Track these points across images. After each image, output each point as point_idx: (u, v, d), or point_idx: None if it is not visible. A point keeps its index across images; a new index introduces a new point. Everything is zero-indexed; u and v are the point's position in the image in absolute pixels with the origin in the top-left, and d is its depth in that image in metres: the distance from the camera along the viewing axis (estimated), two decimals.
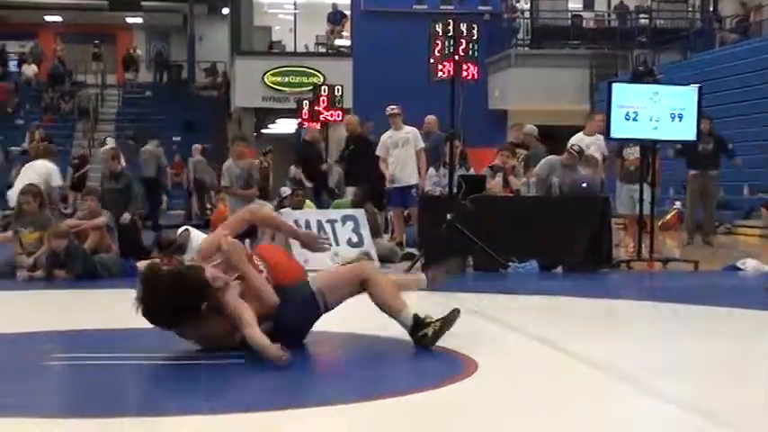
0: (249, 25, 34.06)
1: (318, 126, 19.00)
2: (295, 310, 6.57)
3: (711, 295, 10.52)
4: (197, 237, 13.00)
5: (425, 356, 6.65)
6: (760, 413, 5.05)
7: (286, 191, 16.75)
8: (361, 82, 29.64)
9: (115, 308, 6.90)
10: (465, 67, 12.83)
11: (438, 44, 12.85)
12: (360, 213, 13.90)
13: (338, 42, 33.95)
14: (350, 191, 16.13)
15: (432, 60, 12.93)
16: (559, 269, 12.78)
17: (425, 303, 9.88)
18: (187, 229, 13.28)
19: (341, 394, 5.56)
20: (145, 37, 43.77)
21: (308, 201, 15.71)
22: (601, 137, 14.85)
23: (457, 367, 6.04)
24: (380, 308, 6.84)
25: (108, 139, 20.61)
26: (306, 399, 5.42)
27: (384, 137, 15.54)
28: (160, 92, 38.93)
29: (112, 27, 42.35)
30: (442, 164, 14.65)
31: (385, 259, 13.75)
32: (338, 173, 18.45)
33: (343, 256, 13.22)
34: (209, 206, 25.59)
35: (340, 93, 19.37)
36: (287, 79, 32.16)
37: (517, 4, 32.49)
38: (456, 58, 12.78)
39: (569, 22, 31.88)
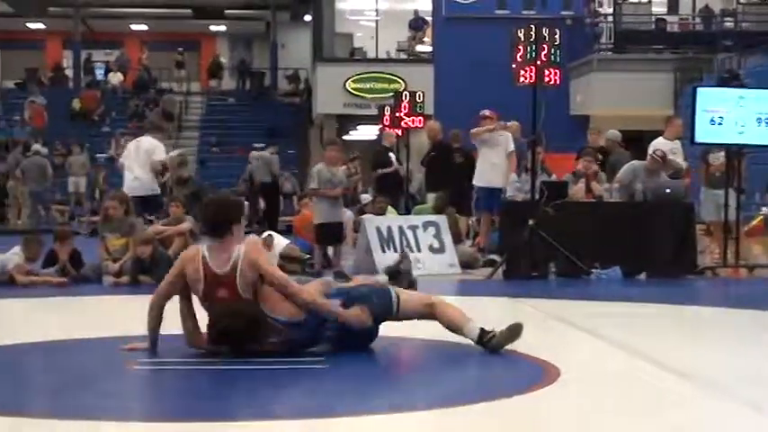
0: (331, 32, 34.21)
1: (400, 132, 19.01)
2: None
3: None
4: (280, 242, 13.10)
5: (507, 363, 6.63)
6: None
7: (367, 198, 16.77)
8: (442, 88, 29.61)
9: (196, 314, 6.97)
10: (547, 72, 12.78)
11: (520, 49, 12.81)
12: (441, 219, 13.88)
13: (419, 48, 33.94)
14: (431, 197, 16.10)
15: (513, 66, 12.89)
16: (643, 276, 12.66)
17: (506, 310, 9.87)
18: (270, 235, 13.36)
19: (426, 400, 5.58)
20: (228, 44, 44.17)
21: (389, 207, 15.72)
22: (678, 141, 14.71)
23: (539, 374, 6.01)
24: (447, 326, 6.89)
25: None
26: (390, 404, 5.43)
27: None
28: (243, 99, 39.23)
29: (196, 35, 42.81)
30: (524, 169, 14.57)
31: (466, 265, 13.73)
32: (419, 179, 18.45)
33: (424, 263, 13.23)
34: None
35: (421, 99, 19.35)
36: (368, 86, 32.23)
37: (600, 9, 32.24)
38: (538, 63, 12.74)
39: (653, 26, 31.56)
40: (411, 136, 19.34)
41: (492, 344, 6.69)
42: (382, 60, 33.61)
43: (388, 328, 7.23)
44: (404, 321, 7.03)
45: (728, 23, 31.72)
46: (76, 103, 36.10)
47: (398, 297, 6.90)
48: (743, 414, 5.15)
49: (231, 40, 44.22)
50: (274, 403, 5.44)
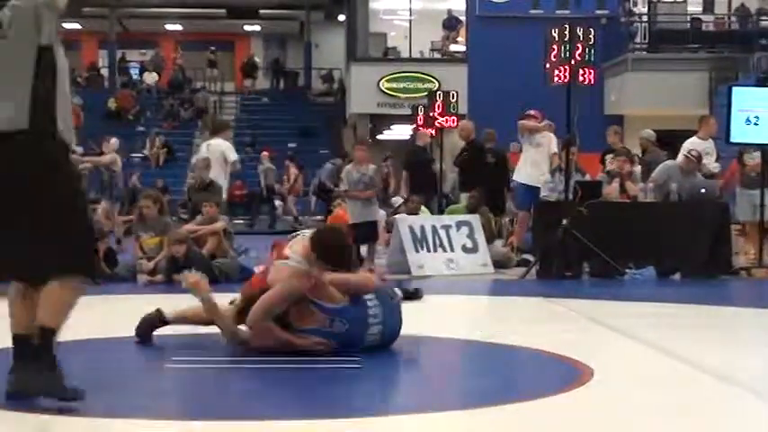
0: (365, 32, 34.20)
1: (433, 132, 18.99)
2: None
3: None
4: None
5: (540, 363, 6.63)
6: None
7: (398, 200, 16.74)
8: (475, 87, 29.55)
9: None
10: (581, 71, 12.73)
11: (554, 49, 12.78)
12: (474, 219, 13.86)
13: (453, 48, 33.87)
14: (464, 197, 16.08)
15: (547, 65, 12.86)
16: (677, 276, 12.61)
17: (539, 310, 9.85)
18: (302, 235, 13.38)
19: (458, 400, 5.58)
20: (262, 44, 44.28)
21: (423, 207, 15.70)
22: (711, 141, 14.63)
23: (573, 374, 6.00)
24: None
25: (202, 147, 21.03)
26: (424, 404, 5.44)
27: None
28: (277, 98, 39.31)
29: (231, 35, 42.94)
30: (558, 169, 14.53)
31: (499, 265, 13.70)
32: (452, 179, 18.42)
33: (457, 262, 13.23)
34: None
35: (455, 98, 19.32)
36: (402, 85, 32.20)
37: (635, 8, 32.08)
38: (572, 62, 12.70)
39: (688, 25, 31.39)
40: (444, 136, 19.32)
41: None
42: (416, 60, 33.58)
43: (420, 329, 7.25)
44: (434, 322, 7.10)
45: (765, 22, 31.49)
46: (112, 103, 36.30)
47: None
48: None
49: (265, 40, 44.34)
50: (309, 403, 5.45)
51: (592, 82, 12.92)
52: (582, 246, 12.32)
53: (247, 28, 43.55)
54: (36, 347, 4.99)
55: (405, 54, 34.08)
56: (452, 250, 13.33)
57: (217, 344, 6.83)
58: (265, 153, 28.77)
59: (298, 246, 6.61)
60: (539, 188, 14.82)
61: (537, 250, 13.13)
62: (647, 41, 31.02)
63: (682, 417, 5.06)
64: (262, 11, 41.37)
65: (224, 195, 14.52)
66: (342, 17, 38.44)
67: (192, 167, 14.89)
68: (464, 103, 24.79)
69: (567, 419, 5.04)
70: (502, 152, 16.65)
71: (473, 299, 11.10)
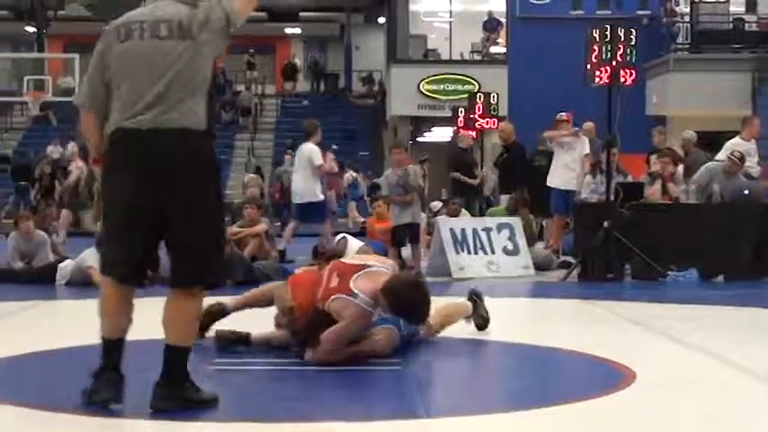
0: (405, 34, 34.24)
1: (474, 134, 18.98)
2: None
3: None
4: (354, 245, 13.12)
5: (583, 366, 6.61)
6: None
7: (437, 205, 16.73)
8: (516, 89, 29.52)
9: (271, 313, 7.03)
10: (622, 72, 12.69)
11: (595, 50, 12.73)
12: (515, 221, 13.82)
13: (493, 50, 33.85)
14: (504, 199, 16.05)
15: (588, 66, 12.81)
16: (721, 278, 12.51)
17: (581, 313, 9.82)
18: (344, 237, 13.40)
19: (500, 402, 5.58)
20: (303, 47, 44.43)
21: (463, 209, 15.68)
22: (754, 141, 14.52)
23: (615, 377, 5.97)
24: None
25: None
26: (465, 406, 5.45)
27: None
28: (317, 101, 39.43)
29: (271, 38, 43.09)
30: (599, 170, 14.47)
31: (541, 267, 13.66)
32: (493, 180, 18.39)
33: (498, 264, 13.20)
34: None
35: (495, 100, 19.32)
36: (442, 87, 32.23)
37: (677, 8, 31.91)
38: (613, 63, 12.65)
39: (730, 25, 31.19)
40: (485, 138, 19.31)
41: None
42: (456, 62, 33.58)
43: (461, 331, 7.24)
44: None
45: None
46: None
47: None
48: None
49: (306, 43, 44.47)
50: (348, 404, 5.47)
51: (632, 83, 12.87)
52: (623, 247, 12.26)
53: (288, 31, 43.70)
54: (171, 367, 5.04)
55: (445, 56, 34.09)
56: (493, 252, 13.30)
57: (258, 346, 6.86)
58: (288, 156, 28.21)
59: (365, 284, 6.41)
60: (572, 191, 14.81)
61: (578, 252, 13.08)
62: (688, 42, 30.84)
63: (724, 420, 5.03)
64: (302, 13, 41.49)
65: (320, 197, 14.63)
66: (382, 19, 38.50)
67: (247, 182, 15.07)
68: (504, 105, 24.76)
69: (610, 422, 5.03)
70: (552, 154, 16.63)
71: (514, 301, 11.08)
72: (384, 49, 37.26)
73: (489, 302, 7.76)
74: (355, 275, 6.45)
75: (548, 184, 15.21)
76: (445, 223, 13.68)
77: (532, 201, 15.11)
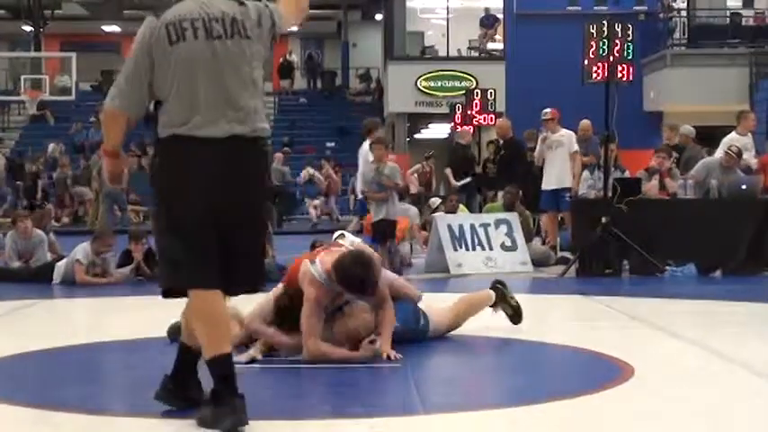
0: (402, 31, 34.20)
1: (471, 130, 18.98)
2: None
3: None
4: (352, 241, 13.08)
5: (582, 361, 6.61)
6: None
7: (436, 201, 16.70)
8: (513, 85, 29.50)
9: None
10: (620, 68, 12.69)
11: (592, 45, 12.73)
12: (513, 217, 13.82)
13: (491, 46, 33.82)
14: (501, 194, 16.02)
15: (586, 62, 12.81)
16: (718, 273, 12.52)
17: (579, 308, 9.83)
18: (343, 234, 13.38)
19: (501, 399, 5.58)
20: (300, 44, 44.40)
21: (461, 206, 15.68)
22: (750, 136, 14.53)
23: (613, 372, 5.98)
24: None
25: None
26: (466, 402, 5.45)
27: (540, 139, 15.35)
28: (314, 98, 39.41)
29: None
30: (597, 166, 14.46)
31: (539, 263, 13.66)
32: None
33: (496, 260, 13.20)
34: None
35: (492, 96, 19.33)
36: (440, 84, 32.20)
37: (673, 3, 31.89)
38: (610, 59, 12.65)
39: (728, 20, 31.18)
40: (482, 134, 19.32)
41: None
42: (453, 58, 33.56)
43: (460, 330, 7.25)
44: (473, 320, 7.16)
45: None
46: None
47: (427, 321, 7.16)
48: None
49: (302, 40, 44.44)
50: (345, 401, 5.47)
51: (630, 78, 12.86)
52: (621, 243, 12.27)
53: None
54: (182, 366, 5.01)
55: (442, 52, 34.06)
56: (491, 248, 13.30)
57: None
58: (279, 155, 27.91)
59: (325, 258, 6.48)
60: (566, 188, 14.67)
61: (576, 248, 13.09)
62: (686, 37, 30.83)
63: (723, 414, 5.03)
64: None
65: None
66: (379, 16, 38.47)
67: None
68: (502, 101, 24.77)
69: (608, 417, 5.04)
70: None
71: None
72: (381, 45, 37.23)
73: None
74: (324, 252, 6.65)
75: (543, 187, 15.06)
76: (443, 220, 13.68)
77: (527, 197, 15.11)
